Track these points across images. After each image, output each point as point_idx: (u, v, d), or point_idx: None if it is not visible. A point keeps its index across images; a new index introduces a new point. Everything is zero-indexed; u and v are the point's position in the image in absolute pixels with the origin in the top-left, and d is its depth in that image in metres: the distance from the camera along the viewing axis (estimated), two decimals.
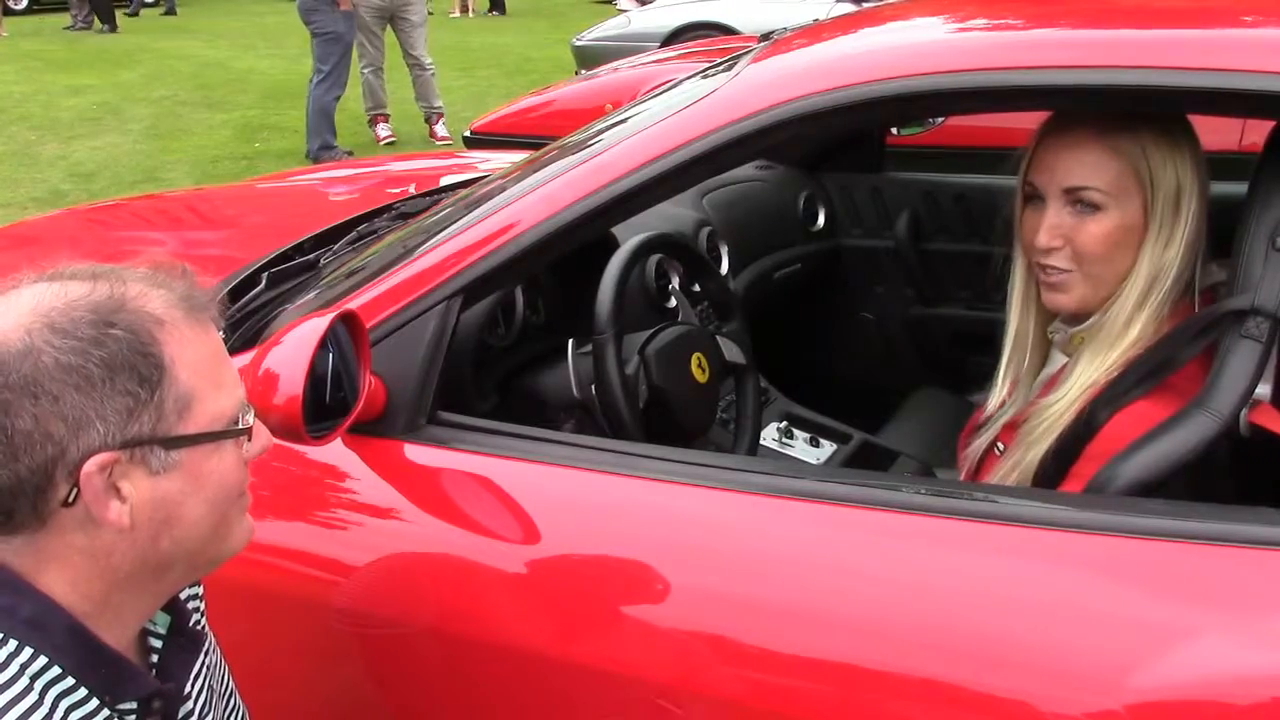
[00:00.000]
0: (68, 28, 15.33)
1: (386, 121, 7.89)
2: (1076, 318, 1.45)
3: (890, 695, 1.15)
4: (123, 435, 0.94)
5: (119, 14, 15.93)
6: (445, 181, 2.57)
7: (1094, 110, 1.37)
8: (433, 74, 7.85)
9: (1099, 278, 1.39)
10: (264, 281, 1.79)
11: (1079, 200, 1.38)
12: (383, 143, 7.75)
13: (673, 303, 2.05)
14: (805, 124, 1.35)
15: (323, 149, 7.17)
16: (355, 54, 7.45)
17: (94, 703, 0.97)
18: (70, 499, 0.93)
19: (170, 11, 18.02)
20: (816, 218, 2.77)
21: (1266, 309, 1.22)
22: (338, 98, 7.30)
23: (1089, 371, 1.37)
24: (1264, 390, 1.25)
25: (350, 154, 7.21)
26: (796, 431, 2.10)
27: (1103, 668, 1.08)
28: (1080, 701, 1.08)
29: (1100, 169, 1.36)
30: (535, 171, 1.55)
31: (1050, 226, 1.40)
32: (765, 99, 1.36)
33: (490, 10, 18.17)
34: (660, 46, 7.53)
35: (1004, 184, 2.54)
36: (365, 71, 7.69)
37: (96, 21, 15.29)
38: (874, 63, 1.37)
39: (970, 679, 1.13)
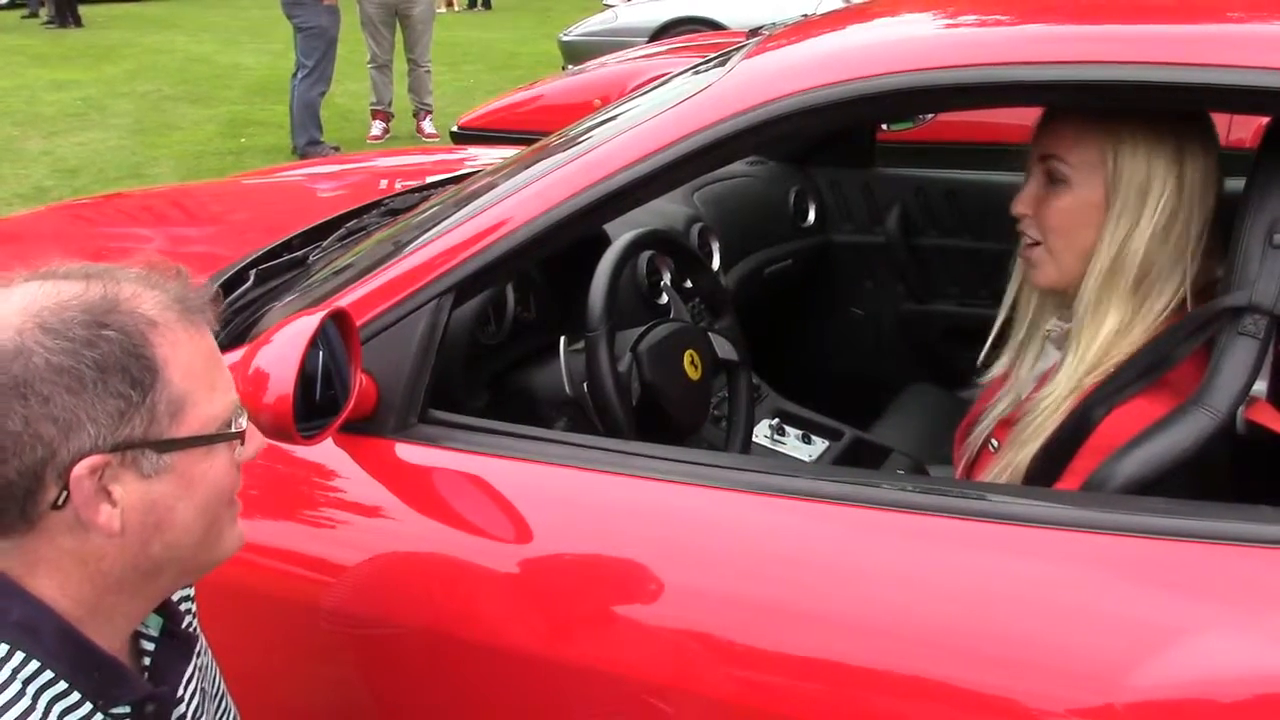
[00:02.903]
0: (47, 23, 15.24)
1: (385, 120, 7.90)
2: (1065, 309, 1.45)
3: (884, 693, 1.15)
4: (114, 438, 0.93)
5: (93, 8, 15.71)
6: (432, 179, 2.55)
7: (1093, 105, 1.37)
8: (427, 72, 7.93)
9: (1060, 253, 1.42)
10: (252, 278, 1.78)
11: (1050, 170, 1.41)
12: (371, 140, 7.74)
13: (664, 299, 2.04)
14: (802, 119, 1.35)
15: (309, 144, 7.16)
16: (364, 50, 7.47)
17: (87, 707, 0.96)
18: (60, 502, 0.92)
19: None
20: (807, 213, 2.76)
21: (1263, 306, 1.22)
22: (323, 93, 7.30)
23: (1073, 363, 1.38)
24: (1260, 387, 1.25)
25: (337, 149, 7.19)
26: (788, 428, 2.10)
27: (1099, 666, 1.08)
28: (1077, 700, 1.08)
29: (1071, 143, 1.39)
30: (527, 168, 1.54)
31: (1024, 194, 1.44)
32: (762, 94, 1.36)
33: (474, 5, 18.12)
34: (648, 42, 7.52)
35: (995, 180, 2.57)
36: (370, 67, 7.73)
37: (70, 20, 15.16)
38: (872, 57, 1.37)
39: (965, 677, 1.13)
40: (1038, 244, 1.43)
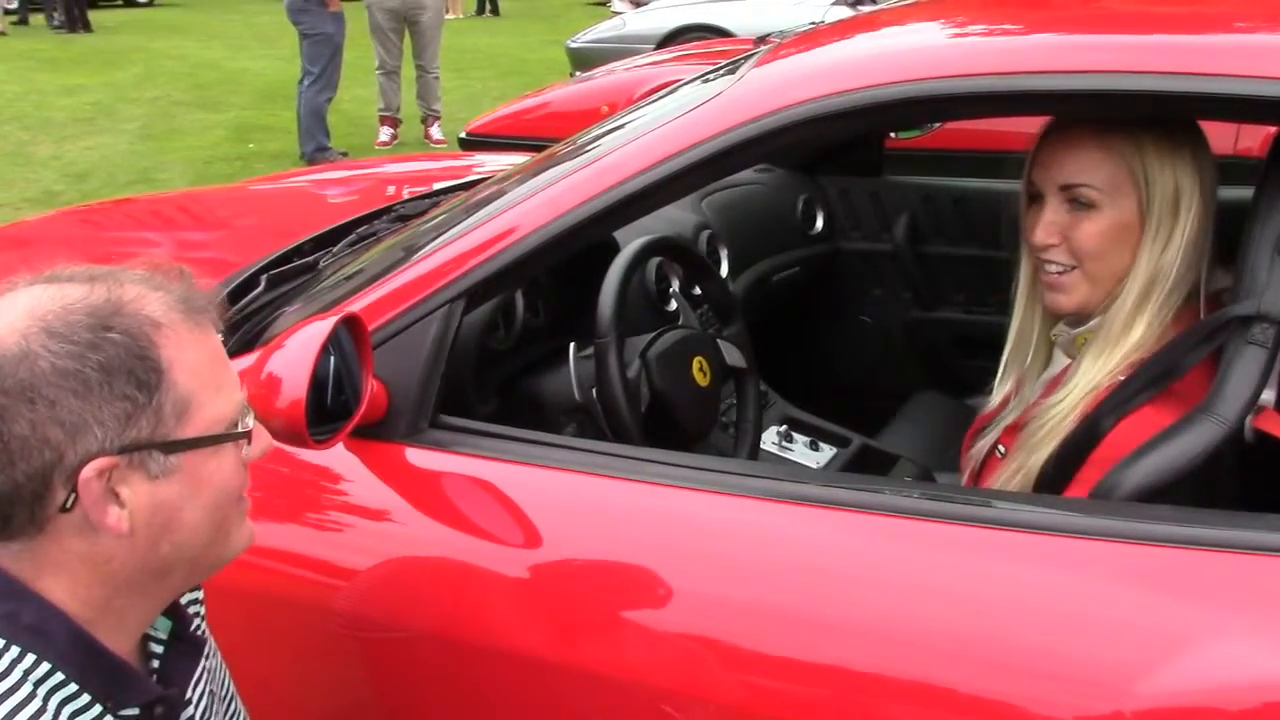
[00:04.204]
0: (56, 27, 15.30)
1: (393, 126, 7.92)
2: (1078, 319, 1.45)
3: (892, 700, 1.15)
4: (121, 440, 0.93)
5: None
6: (441, 185, 2.56)
7: (1101, 115, 1.37)
8: (436, 78, 7.96)
9: (1097, 276, 1.40)
10: (263, 284, 1.78)
11: (1074, 198, 1.39)
12: (379, 146, 7.76)
13: (673, 306, 2.05)
14: (812, 127, 1.35)
15: (317, 150, 7.18)
16: (372, 56, 7.51)
17: (97, 709, 0.96)
18: (68, 505, 0.92)
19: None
20: (815, 221, 2.76)
21: (1272, 315, 1.22)
22: (329, 99, 7.33)
23: (1091, 373, 1.37)
24: (1269, 396, 1.25)
25: (345, 155, 7.21)
26: (796, 435, 2.10)
27: (1107, 673, 1.08)
28: (1085, 706, 1.08)
29: (1095, 167, 1.37)
30: (538, 174, 1.55)
31: (1047, 223, 1.41)
32: (771, 102, 1.36)
33: (481, 12, 18.14)
34: (656, 49, 7.52)
35: (1002, 188, 2.57)
36: (378, 73, 7.76)
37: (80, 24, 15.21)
38: (882, 66, 1.37)
39: (972, 684, 1.13)
40: (1068, 270, 1.41)
